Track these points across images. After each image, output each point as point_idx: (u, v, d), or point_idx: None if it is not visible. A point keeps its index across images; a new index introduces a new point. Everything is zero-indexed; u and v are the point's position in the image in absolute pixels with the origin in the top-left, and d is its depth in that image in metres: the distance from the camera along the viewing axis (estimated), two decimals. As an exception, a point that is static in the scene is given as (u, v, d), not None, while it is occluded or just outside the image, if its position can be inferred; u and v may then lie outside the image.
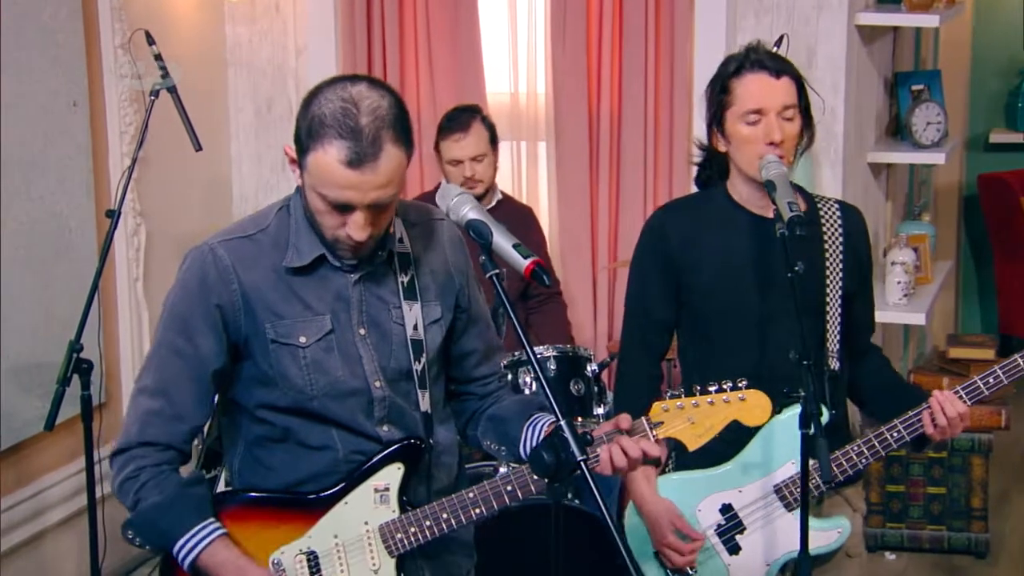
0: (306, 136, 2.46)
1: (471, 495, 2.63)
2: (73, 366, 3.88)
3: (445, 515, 2.63)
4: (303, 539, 2.64)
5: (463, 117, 4.73)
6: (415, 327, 2.65)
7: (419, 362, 2.66)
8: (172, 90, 4.20)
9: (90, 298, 4.03)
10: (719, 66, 3.20)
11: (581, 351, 4.23)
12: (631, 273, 3.35)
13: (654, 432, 2.62)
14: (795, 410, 3.04)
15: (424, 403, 2.68)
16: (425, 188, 5.28)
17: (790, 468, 3.13)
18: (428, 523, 2.63)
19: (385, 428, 2.66)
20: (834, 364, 3.22)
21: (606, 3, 5.11)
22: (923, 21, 5.22)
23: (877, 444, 3.11)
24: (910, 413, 3.11)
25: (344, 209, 2.47)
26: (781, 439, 3.13)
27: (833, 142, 5.08)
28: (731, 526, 3.20)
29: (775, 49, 4.13)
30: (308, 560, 2.63)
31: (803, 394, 2.78)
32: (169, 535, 2.58)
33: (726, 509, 3.19)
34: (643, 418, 2.64)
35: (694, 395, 2.65)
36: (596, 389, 4.19)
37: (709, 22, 5.01)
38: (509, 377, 4.12)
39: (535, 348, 4.19)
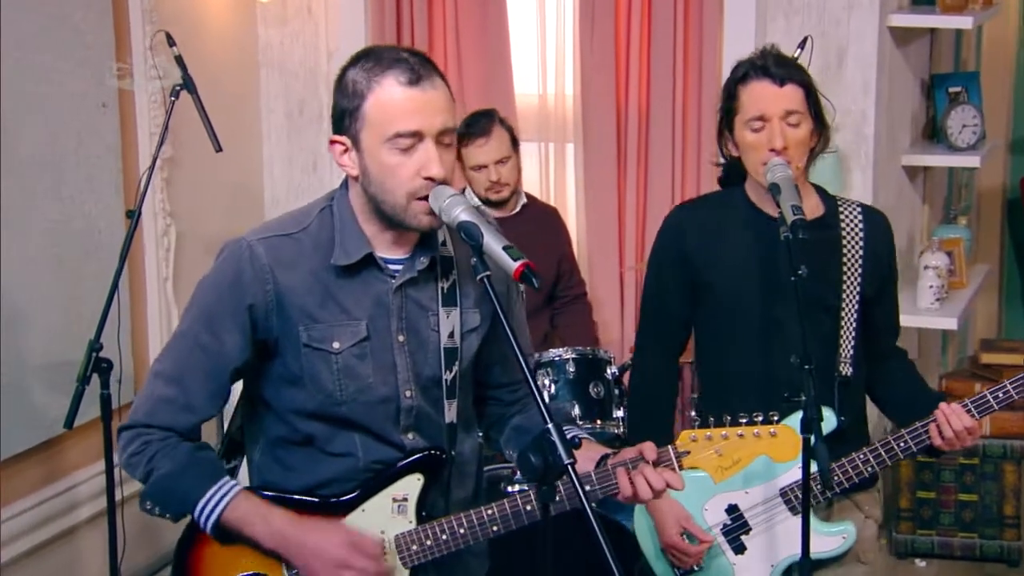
0: (353, 97, 2.47)
1: (490, 512, 2.60)
2: (92, 365, 3.90)
3: (462, 531, 2.60)
4: None
5: (483, 122, 4.73)
6: (451, 335, 2.62)
7: (450, 371, 2.63)
8: (192, 90, 4.21)
9: (110, 297, 4.07)
10: (731, 71, 3.21)
11: (601, 353, 4.21)
12: (648, 270, 3.38)
13: (680, 462, 2.59)
14: (802, 413, 3.03)
15: (450, 413, 2.65)
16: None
17: (796, 472, 3.11)
18: (444, 537, 2.61)
19: (410, 436, 2.64)
20: (846, 370, 3.19)
21: (634, 4, 5.09)
22: (957, 23, 5.15)
23: (884, 453, 3.10)
24: (917, 424, 3.10)
25: (413, 147, 2.44)
26: None
27: (864, 144, 5.03)
28: (737, 526, 3.21)
29: (798, 52, 4.17)
30: None
31: (804, 399, 2.75)
32: (187, 499, 2.57)
33: (732, 509, 3.21)
34: (670, 447, 2.61)
35: (724, 426, 2.62)
36: (617, 392, 4.17)
37: (737, 23, 4.97)
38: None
39: (557, 350, 4.21)
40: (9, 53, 4.20)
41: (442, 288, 2.62)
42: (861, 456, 3.11)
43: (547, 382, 4.10)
